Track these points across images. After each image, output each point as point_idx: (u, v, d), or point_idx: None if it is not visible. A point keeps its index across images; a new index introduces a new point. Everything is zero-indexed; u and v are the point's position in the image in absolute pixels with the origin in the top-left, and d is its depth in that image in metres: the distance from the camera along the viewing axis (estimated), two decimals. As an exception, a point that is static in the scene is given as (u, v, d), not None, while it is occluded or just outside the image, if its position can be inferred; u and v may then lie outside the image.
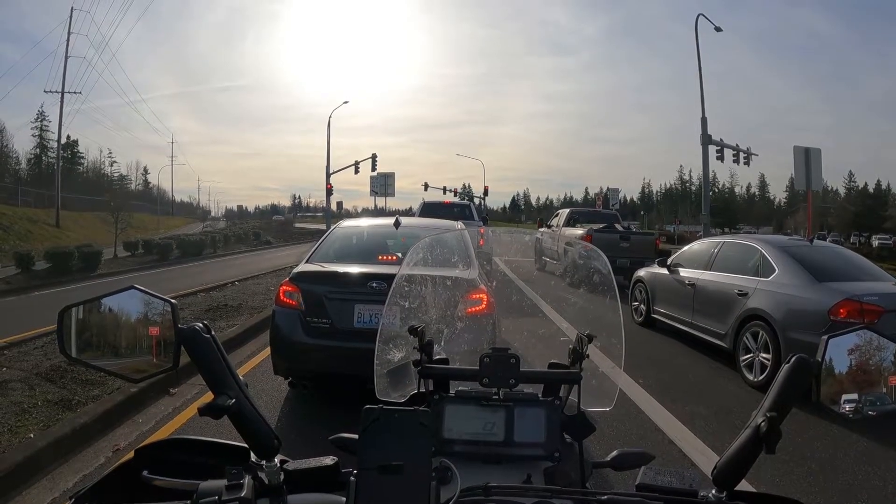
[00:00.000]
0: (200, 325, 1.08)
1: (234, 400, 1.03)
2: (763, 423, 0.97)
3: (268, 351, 6.13)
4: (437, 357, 1.56)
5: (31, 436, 4.60)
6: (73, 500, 1.01)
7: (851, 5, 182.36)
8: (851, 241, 74.34)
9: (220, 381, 1.05)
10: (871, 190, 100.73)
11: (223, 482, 0.96)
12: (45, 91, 39.75)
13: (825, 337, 1.07)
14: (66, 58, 38.31)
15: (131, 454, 1.19)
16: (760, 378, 6.87)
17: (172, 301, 1.12)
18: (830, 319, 6.21)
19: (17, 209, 38.35)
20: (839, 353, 1.08)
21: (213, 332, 1.09)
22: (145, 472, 1.11)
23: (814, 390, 1.05)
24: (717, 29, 29.39)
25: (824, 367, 1.06)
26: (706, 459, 4.58)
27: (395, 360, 1.63)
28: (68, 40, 37.95)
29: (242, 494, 0.94)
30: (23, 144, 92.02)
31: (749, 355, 7.19)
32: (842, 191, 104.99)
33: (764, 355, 6.90)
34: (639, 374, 6.77)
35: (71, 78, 43.68)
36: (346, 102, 47.67)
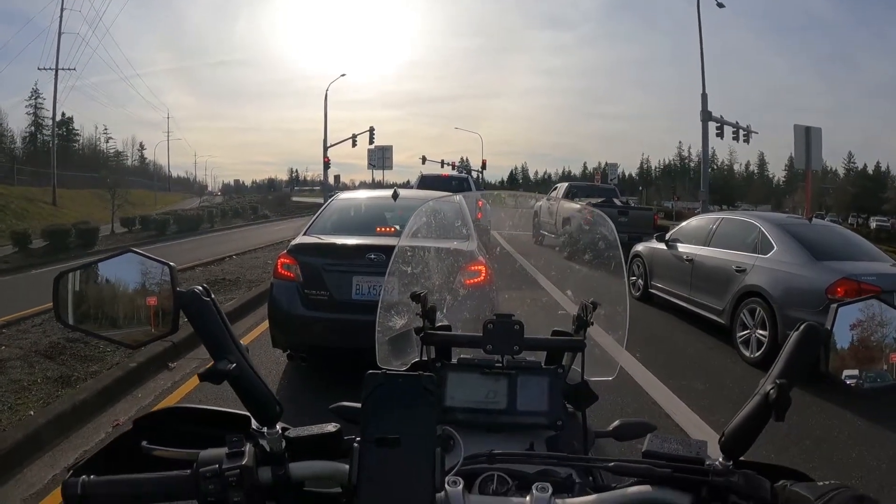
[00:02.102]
0: (200, 288, 1.06)
1: (234, 364, 1.01)
2: (772, 390, 0.96)
3: (266, 324, 6.13)
4: (440, 324, 1.55)
5: (32, 413, 4.61)
6: (71, 472, 1.00)
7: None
8: (849, 221, 74.29)
9: (221, 346, 1.03)
10: (871, 172, 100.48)
11: (224, 450, 0.95)
12: (38, 68, 39.34)
13: (835, 305, 1.05)
14: (60, 34, 37.77)
15: (130, 425, 1.17)
16: (757, 354, 6.90)
17: (171, 264, 1.09)
18: (828, 298, 6.22)
19: (14, 188, 38.08)
20: (845, 324, 1.06)
21: (212, 296, 1.07)
22: (145, 443, 1.09)
23: (822, 359, 1.03)
24: (720, 5, 29.13)
25: (832, 338, 1.04)
26: (701, 433, 4.61)
27: (397, 328, 1.62)
28: (61, 16, 37.38)
29: (244, 462, 0.93)
30: (17, 123, 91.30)
31: (746, 331, 7.21)
32: (841, 171, 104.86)
33: (761, 332, 6.92)
34: (636, 349, 6.78)
35: (65, 54, 42.98)
36: (343, 75, 47.50)
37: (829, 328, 1.04)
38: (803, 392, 5.28)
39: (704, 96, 27.80)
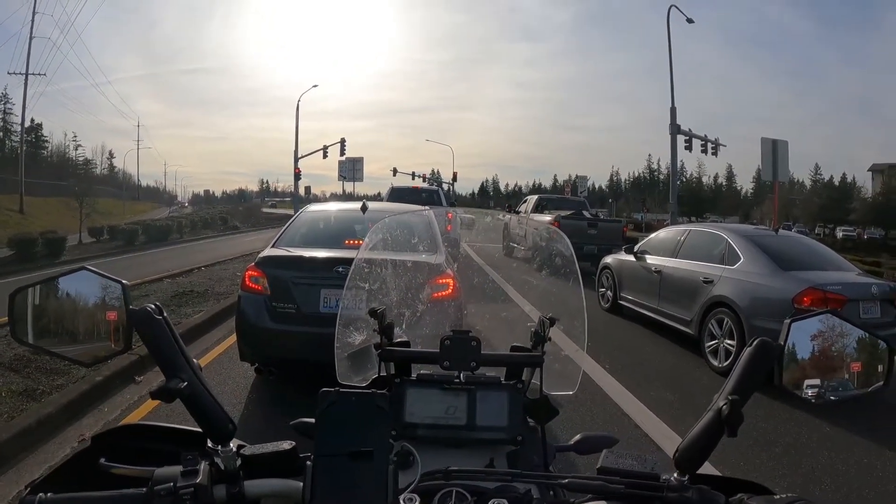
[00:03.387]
0: (152, 306, 1.06)
1: (186, 383, 1.01)
2: (725, 407, 0.97)
3: (234, 337, 6.06)
4: (398, 340, 1.54)
5: (-5, 428, 4.50)
6: (28, 489, 0.99)
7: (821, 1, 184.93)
8: (816, 232, 75.40)
9: (173, 364, 1.03)
10: (837, 183, 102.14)
11: (179, 468, 0.95)
12: (8, 73, 38.99)
13: (788, 321, 1.06)
14: (31, 38, 37.37)
15: (89, 442, 1.16)
16: (725, 364, 6.98)
17: (123, 282, 1.09)
18: (794, 307, 6.32)
19: (-20, 195, 37.43)
20: (802, 337, 1.07)
21: (165, 314, 1.06)
22: (103, 460, 1.08)
23: (776, 374, 1.04)
24: (689, 20, 29.54)
25: (787, 352, 1.05)
26: (670, 444, 4.64)
27: (356, 344, 1.62)
28: (33, 21, 37.03)
29: (198, 480, 0.93)
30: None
31: (714, 342, 7.29)
32: (808, 183, 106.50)
33: (728, 342, 7.01)
34: (605, 360, 6.83)
35: (35, 59, 42.31)
36: (315, 86, 47.41)
37: (781, 343, 1.05)
38: (771, 399, 5.35)
39: (673, 110, 28.16)
